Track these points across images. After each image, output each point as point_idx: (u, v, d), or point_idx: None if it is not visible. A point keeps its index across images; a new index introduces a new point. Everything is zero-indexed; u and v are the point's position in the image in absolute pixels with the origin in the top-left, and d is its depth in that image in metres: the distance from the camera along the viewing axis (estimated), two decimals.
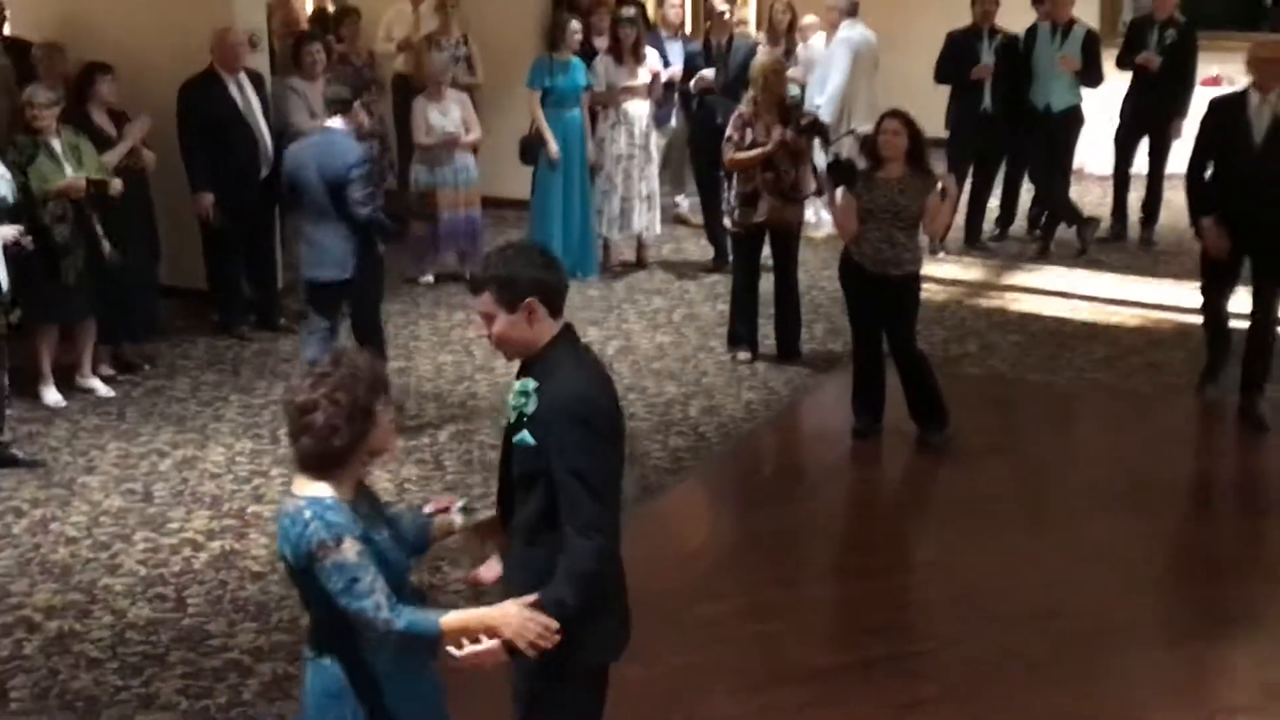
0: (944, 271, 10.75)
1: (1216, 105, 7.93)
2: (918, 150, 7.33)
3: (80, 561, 6.17)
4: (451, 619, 3.41)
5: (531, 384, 3.54)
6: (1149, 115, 11.30)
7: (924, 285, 7.82)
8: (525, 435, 3.53)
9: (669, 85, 11.15)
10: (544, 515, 3.54)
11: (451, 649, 3.40)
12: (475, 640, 3.40)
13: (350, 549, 3.31)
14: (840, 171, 7.75)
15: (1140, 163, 11.61)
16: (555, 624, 3.42)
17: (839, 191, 7.83)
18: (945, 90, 11.37)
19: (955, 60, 11.15)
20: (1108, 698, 5.23)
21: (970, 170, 11.32)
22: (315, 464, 3.39)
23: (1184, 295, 9.65)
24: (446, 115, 10.14)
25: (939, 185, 7.36)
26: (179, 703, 5.10)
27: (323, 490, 3.37)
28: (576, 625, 3.50)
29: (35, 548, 6.29)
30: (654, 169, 10.80)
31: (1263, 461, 7.61)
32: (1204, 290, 8.17)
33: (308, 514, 3.33)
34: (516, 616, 3.41)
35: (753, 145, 8.42)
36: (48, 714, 5.04)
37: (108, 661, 5.38)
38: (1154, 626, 5.86)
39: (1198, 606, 5.99)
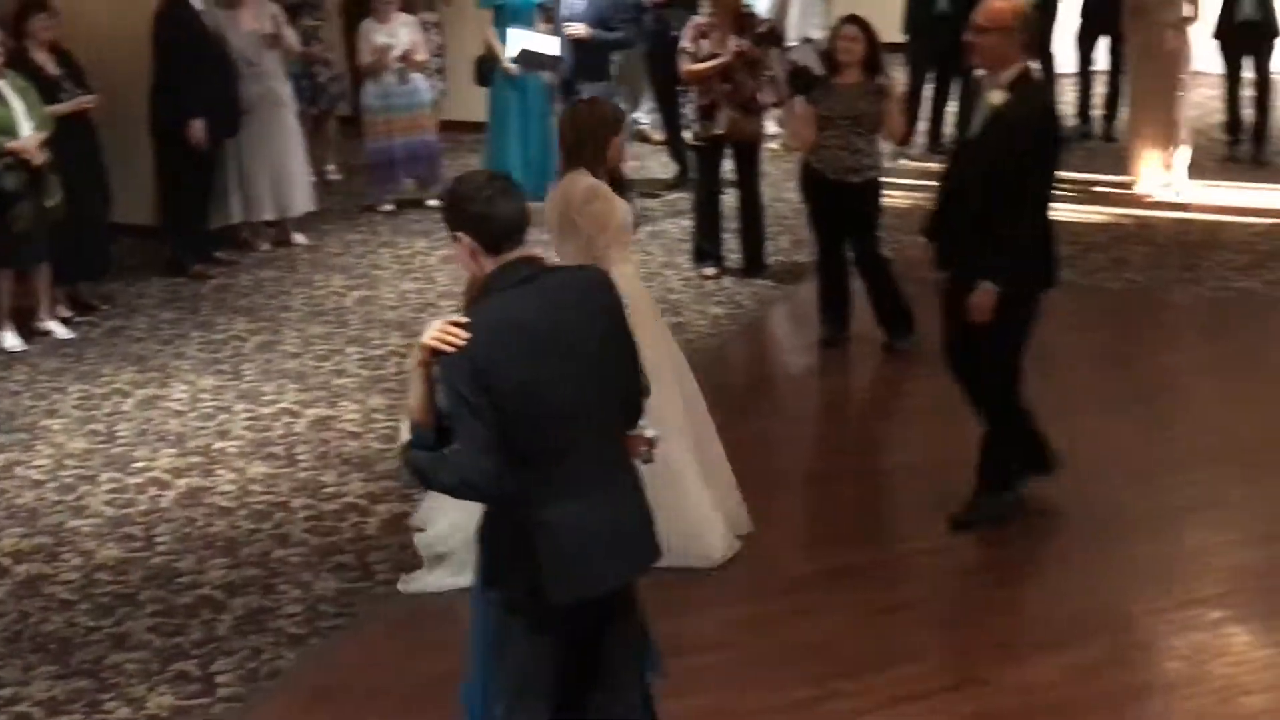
0: (908, 177, 10.66)
1: None
2: (875, 56, 7.28)
3: (46, 504, 6.10)
4: (408, 414, 3.39)
5: None
6: (1106, 13, 11.16)
7: (888, 191, 7.77)
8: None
9: None
10: None
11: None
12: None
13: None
14: (798, 80, 7.66)
15: (1101, 60, 11.56)
16: (458, 329, 3.27)
17: (796, 100, 7.75)
18: None
19: None
20: (1084, 593, 5.24)
21: (931, 73, 11.21)
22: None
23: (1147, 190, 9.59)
24: (394, 37, 9.93)
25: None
26: (151, 640, 5.06)
27: None
28: (501, 568, 3.50)
29: (0, 493, 6.22)
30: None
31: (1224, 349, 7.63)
32: None
33: None
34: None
35: (709, 56, 8.31)
36: (20, 657, 5.00)
37: (79, 603, 5.33)
38: (1129, 520, 5.86)
39: (1171, 497, 5.98)
